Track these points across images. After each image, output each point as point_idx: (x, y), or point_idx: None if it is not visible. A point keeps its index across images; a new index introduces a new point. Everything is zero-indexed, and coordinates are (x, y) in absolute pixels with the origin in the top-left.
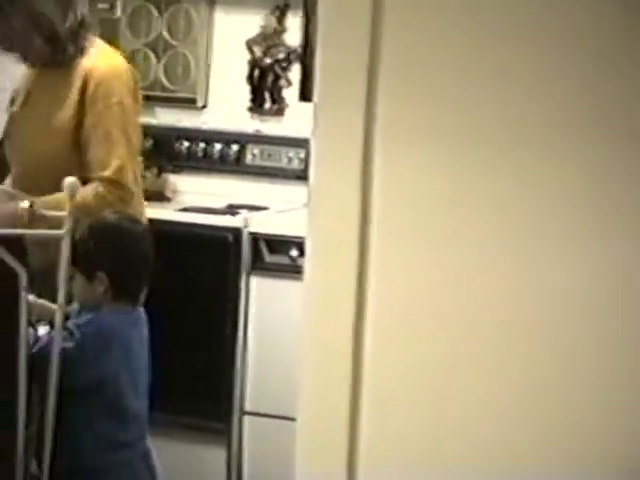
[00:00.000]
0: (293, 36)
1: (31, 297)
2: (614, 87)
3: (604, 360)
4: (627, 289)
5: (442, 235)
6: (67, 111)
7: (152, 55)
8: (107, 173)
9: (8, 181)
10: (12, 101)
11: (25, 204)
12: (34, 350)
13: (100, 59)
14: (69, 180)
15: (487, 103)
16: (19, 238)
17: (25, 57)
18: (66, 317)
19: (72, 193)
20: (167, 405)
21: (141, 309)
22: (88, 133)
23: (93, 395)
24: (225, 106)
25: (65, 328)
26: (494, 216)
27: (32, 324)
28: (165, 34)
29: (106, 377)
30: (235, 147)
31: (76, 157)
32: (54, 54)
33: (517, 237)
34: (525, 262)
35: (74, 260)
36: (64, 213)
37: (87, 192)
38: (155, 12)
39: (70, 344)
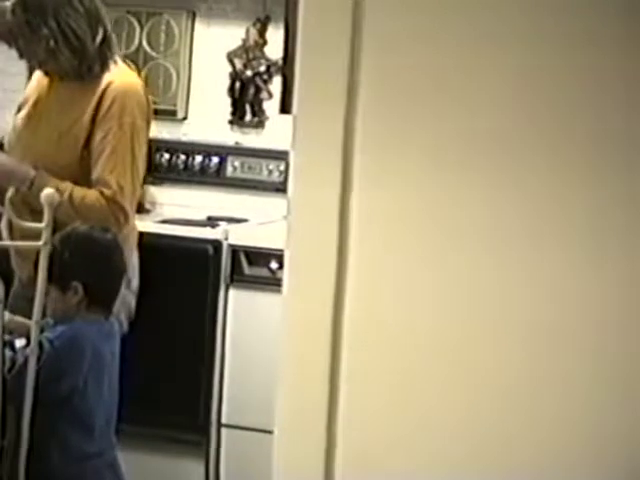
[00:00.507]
0: (274, 49)
1: (6, 314)
2: (614, 98)
3: (600, 363)
4: (622, 298)
5: (423, 248)
6: (80, 124)
7: (132, 67)
8: (108, 192)
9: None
10: (19, 108)
11: (32, 172)
12: (10, 370)
13: (118, 77)
14: (47, 192)
15: (473, 114)
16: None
17: (45, 66)
18: (40, 330)
19: (50, 204)
20: (144, 417)
21: (114, 320)
22: (96, 148)
23: (62, 406)
24: (206, 118)
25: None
26: (479, 227)
27: (9, 342)
28: (145, 46)
29: (76, 388)
30: (215, 159)
31: (83, 170)
32: (79, 69)
33: (506, 250)
34: (514, 275)
35: (49, 274)
36: (42, 225)
37: (90, 195)
38: (135, 24)
39: (42, 358)
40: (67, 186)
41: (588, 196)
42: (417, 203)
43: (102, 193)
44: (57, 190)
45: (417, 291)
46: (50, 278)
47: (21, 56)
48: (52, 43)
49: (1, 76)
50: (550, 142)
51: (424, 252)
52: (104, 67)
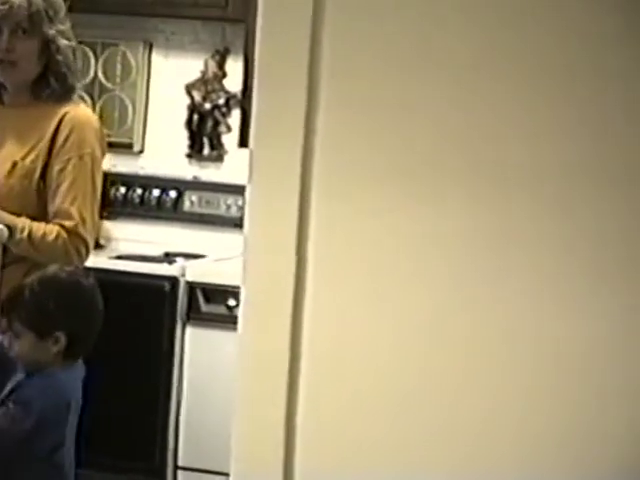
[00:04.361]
0: (233, 81)
1: None
2: (611, 108)
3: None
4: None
5: (380, 285)
6: (35, 154)
7: (87, 98)
8: (70, 224)
9: None
10: None
11: None
12: None
13: (72, 108)
14: None
15: (437, 141)
16: None
17: (17, 69)
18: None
19: None
20: (98, 461)
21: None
22: (55, 179)
23: (45, 459)
24: (163, 151)
25: (13, 401)
26: (440, 253)
27: None
28: (101, 77)
29: (63, 441)
30: (173, 193)
31: (38, 200)
32: (58, 87)
33: (469, 273)
34: (478, 297)
35: (27, 318)
36: None
37: (50, 231)
38: (90, 54)
39: (23, 419)
40: (25, 223)
41: (570, 218)
42: (376, 236)
43: (62, 226)
44: (15, 228)
45: (375, 324)
46: (24, 324)
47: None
48: (52, 46)
49: None
50: (523, 166)
51: (383, 287)
52: (71, 94)
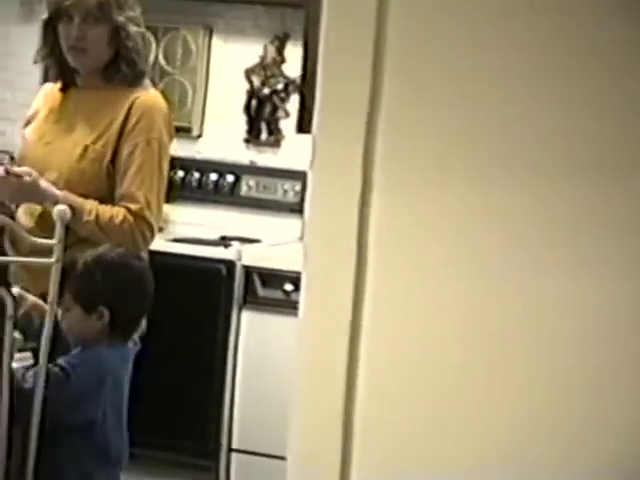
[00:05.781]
0: (292, 67)
1: (16, 333)
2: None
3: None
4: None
5: (439, 273)
6: (106, 138)
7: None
8: (135, 207)
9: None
10: (28, 121)
11: (59, 192)
12: (22, 386)
13: (143, 92)
14: (59, 207)
15: (494, 140)
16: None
17: (88, 58)
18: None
19: (62, 220)
20: (154, 441)
21: (130, 342)
22: (123, 164)
23: (81, 435)
24: (221, 136)
25: (57, 365)
26: (495, 254)
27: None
28: (162, 61)
29: (95, 417)
30: (230, 178)
31: (108, 184)
32: (129, 71)
33: (524, 269)
34: (535, 293)
35: (75, 292)
36: (54, 241)
37: (117, 214)
38: (152, 38)
39: (63, 383)
40: (92, 206)
41: (610, 206)
42: (438, 225)
43: (128, 209)
44: (83, 211)
45: (435, 314)
46: (74, 297)
47: (77, 42)
48: (122, 33)
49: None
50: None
51: (443, 275)
52: (141, 79)
